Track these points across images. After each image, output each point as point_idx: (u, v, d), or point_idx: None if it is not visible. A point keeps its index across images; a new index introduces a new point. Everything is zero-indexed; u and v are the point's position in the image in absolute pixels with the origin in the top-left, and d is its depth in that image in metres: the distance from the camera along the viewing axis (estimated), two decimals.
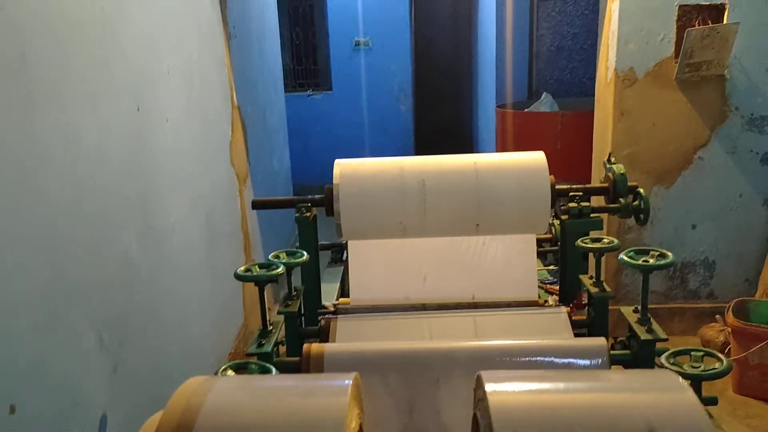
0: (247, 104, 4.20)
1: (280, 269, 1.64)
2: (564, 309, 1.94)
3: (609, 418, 0.62)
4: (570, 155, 4.64)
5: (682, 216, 3.65)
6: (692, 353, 1.27)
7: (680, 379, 0.69)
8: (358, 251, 2.36)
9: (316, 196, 2.23)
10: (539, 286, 2.69)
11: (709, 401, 1.49)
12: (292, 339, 1.89)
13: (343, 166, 2.17)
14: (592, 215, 2.12)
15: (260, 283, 1.58)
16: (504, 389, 0.69)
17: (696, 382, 1.25)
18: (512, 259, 2.30)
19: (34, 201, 1.65)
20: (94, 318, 1.94)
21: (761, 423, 2.91)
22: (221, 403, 0.65)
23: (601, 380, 0.73)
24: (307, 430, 0.60)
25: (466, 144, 8.60)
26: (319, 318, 1.99)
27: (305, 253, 1.93)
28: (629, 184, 2.18)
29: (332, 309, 2.27)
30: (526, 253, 2.28)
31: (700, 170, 3.57)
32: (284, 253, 1.94)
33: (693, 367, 1.24)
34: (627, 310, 1.65)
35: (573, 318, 1.94)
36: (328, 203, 2.14)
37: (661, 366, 1.24)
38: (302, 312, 2.00)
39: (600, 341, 1.57)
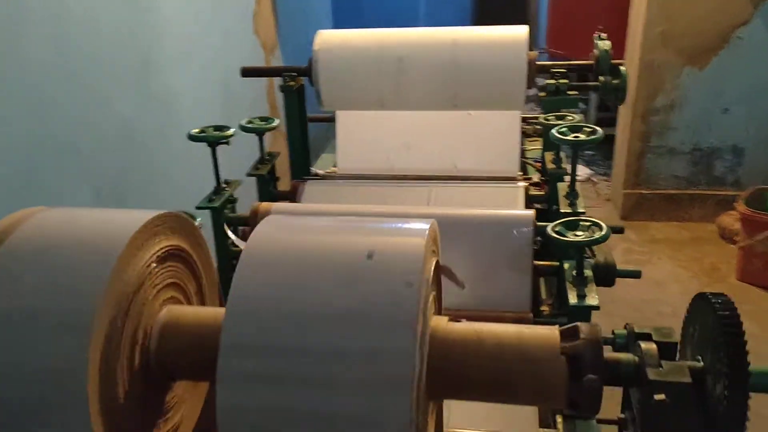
0: None
1: (231, 131, 1.74)
2: (522, 184, 1.98)
3: (342, 242, 0.72)
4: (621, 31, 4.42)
5: (713, 99, 3.49)
6: (581, 223, 1.31)
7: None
8: (345, 121, 2.44)
9: (303, 66, 2.28)
10: (530, 164, 2.72)
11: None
12: (263, 198, 2.03)
13: (324, 35, 2.21)
14: (569, 92, 2.09)
15: (211, 144, 1.70)
16: (273, 228, 0.79)
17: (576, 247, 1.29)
18: (495, 135, 2.33)
19: (17, 64, 1.80)
20: (89, 173, 2.14)
21: (753, 309, 2.93)
22: (33, 229, 0.78)
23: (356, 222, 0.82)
24: (86, 254, 0.73)
25: (532, 17, 8.19)
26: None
27: (276, 120, 2.02)
28: (614, 61, 2.12)
29: (321, 175, 2.40)
30: (510, 129, 2.30)
31: (737, 51, 3.36)
32: (258, 119, 2.03)
33: (576, 235, 1.29)
34: (562, 186, 1.68)
35: (532, 193, 1.98)
36: (310, 72, 2.20)
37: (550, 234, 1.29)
38: (274, 176, 2.11)
39: (527, 213, 1.63)
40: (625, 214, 3.81)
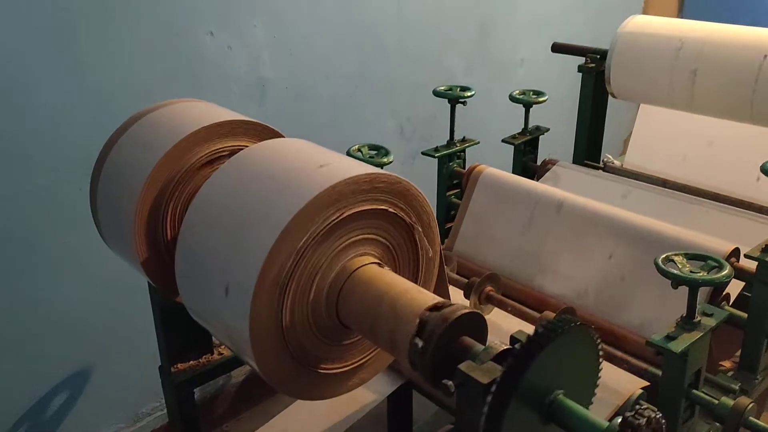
0: None
1: (470, 93, 1.85)
2: None
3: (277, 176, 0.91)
4: None
5: None
6: (709, 261, 1.10)
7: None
8: (645, 114, 2.33)
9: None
10: None
11: None
12: (515, 168, 2.14)
13: (636, 20, 2.14)
14: None
15: (451, 101, 1.87)
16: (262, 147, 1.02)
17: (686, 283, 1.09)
18: None
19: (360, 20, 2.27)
20: (397, 112, 2.53)
21: None
22: (162, 112, 1.16)
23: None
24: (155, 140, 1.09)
25: None
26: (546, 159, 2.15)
27: (545, 95, 2.07)
28: None
29: (605, 163, 2.37)
30: None
31: None
32: (532, 92, 2.12)
33: (692, 271, 1.09)
34: None
35: None
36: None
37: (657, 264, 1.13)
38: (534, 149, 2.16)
39: (719, 245, 1.40)
40: None
